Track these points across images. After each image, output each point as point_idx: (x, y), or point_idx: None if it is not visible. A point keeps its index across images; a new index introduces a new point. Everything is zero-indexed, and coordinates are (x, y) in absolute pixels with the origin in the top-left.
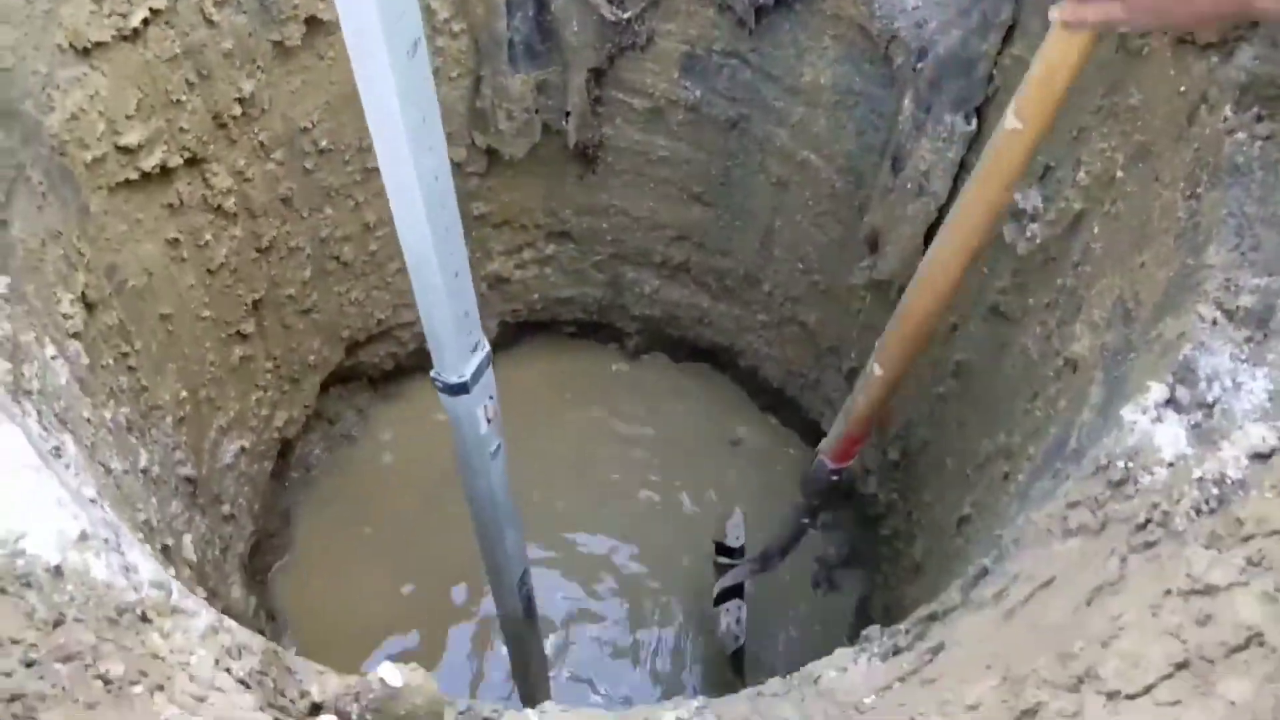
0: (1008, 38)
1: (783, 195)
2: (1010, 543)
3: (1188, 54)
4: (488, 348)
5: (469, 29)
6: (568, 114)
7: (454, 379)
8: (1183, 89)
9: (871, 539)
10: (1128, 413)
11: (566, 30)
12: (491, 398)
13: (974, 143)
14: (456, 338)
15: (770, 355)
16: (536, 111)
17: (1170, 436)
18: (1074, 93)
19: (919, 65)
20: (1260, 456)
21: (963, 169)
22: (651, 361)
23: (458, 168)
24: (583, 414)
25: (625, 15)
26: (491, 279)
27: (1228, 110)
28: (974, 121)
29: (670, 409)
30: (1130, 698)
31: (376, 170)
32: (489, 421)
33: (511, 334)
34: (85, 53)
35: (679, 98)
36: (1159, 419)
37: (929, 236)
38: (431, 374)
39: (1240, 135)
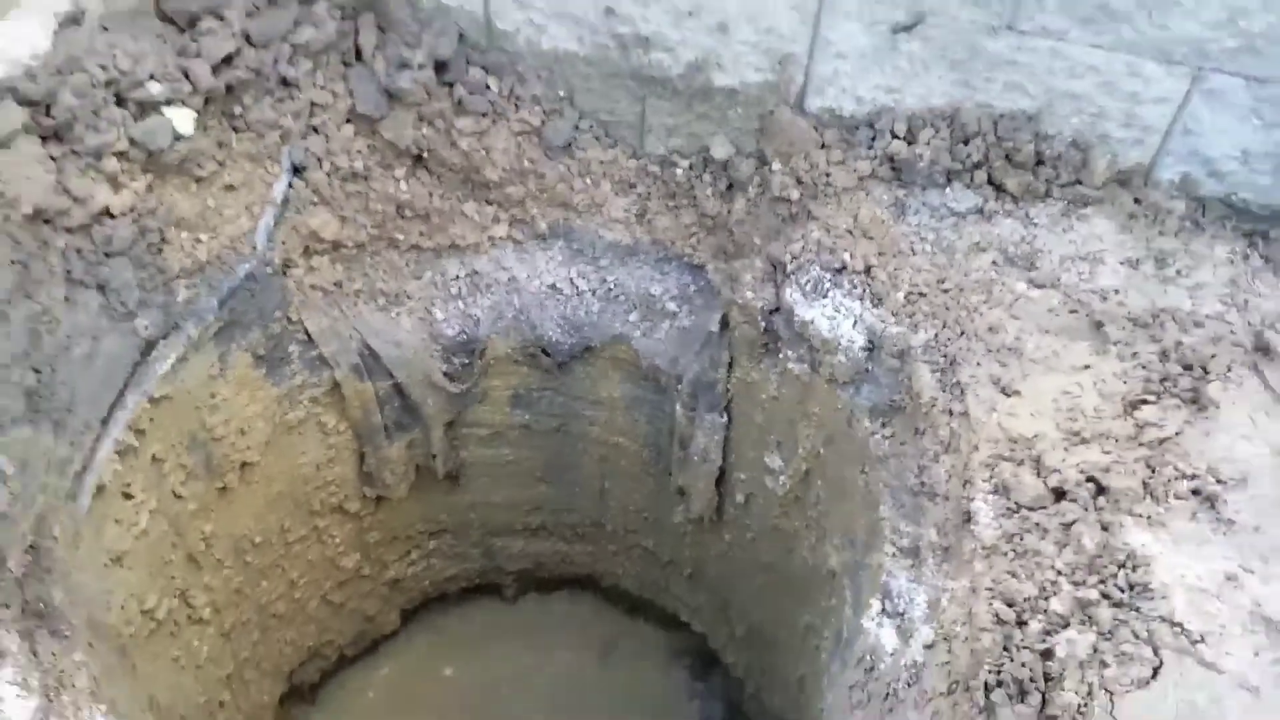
0: (730, 368)
1: (606, 466)
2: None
3: (835, 386)
4: None
5: (350, 424)
6: (434, 456)
7: None
8: (839, 406)
9: (740, 698)
10: (865, 621)
11: (424, 407)
12: None
13: (728, 429)
14: None
15: (624, 573)
16: (409, 461)
17: (889, 637)
18: (778, 402)
19: (680, 386)
20: (928, 647)
21: (727, 444)
22: (527, 601)
23: (355, 516)
24: (478, 659)
25: (465, 386)
26: (390, 583)
27: (865, 421)
28: (725, 416)
29: (549, 635)
30: None
31: (299, 540)
32: None
33: (405, 616)
34: (119, 560)
35: (513, 422)
36: (881, 625)
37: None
38: None
39: (877, 436)
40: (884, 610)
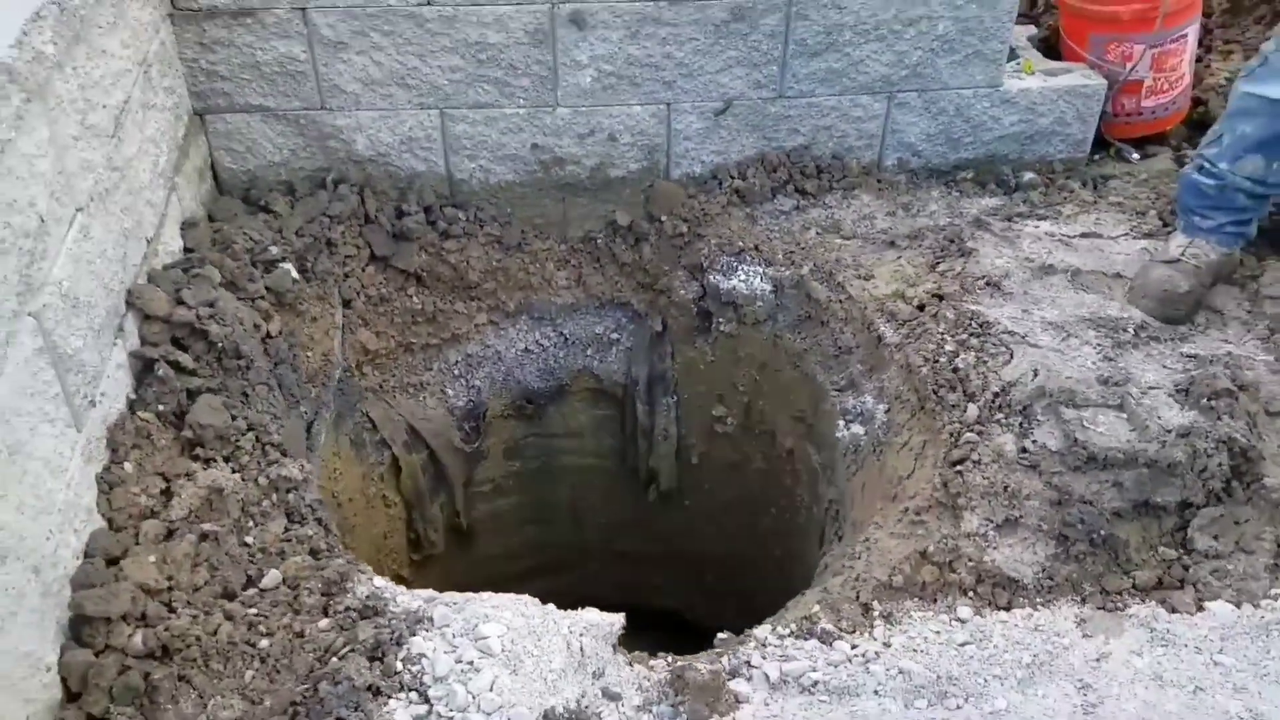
0: (673, 357)
1: (578, 489)
2: None
3: (759, 326)
4: None
5: (403, 494)
6: (457, 513)
7: None
8: (764, 337)
9: None
10: (838, 434)
11: (449, 469)
12: None
13: (679, 406)
14: None
15: (607, 584)
16: (443, 521)
17: (858, 429)
18: (714, 364)
19: (637, 389)
20: (888, 410)
21: (679, 419)
22: None
23: (403, 580)
24: None
25: (474, 445)
26: None
27: (788, 335)
28: (675, 396)
29: None
30: None
31: None
32: None
33: None
34: None
35: (507, 471)
36: (849, 427)
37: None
38: None
39: (797, 339)
40: (846, 421)
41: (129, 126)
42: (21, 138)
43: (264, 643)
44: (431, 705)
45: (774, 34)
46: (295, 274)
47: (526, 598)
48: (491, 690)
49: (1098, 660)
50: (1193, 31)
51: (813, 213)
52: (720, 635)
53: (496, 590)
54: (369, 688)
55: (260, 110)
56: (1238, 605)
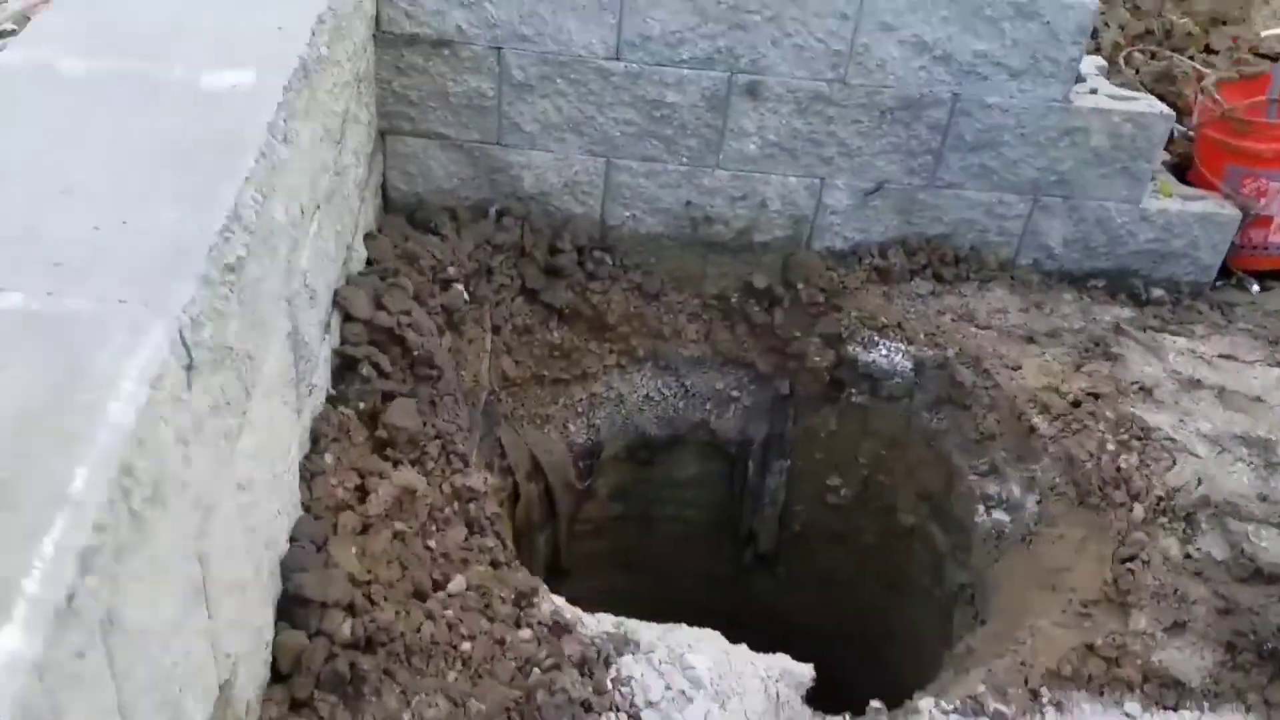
0: (795, 421)
1: (676, 541)
2: None
3: (894, 402)
4: None
5: (516, 524)
6: (558, 548)
7: None
8: (898, 414)
9: None
10: (976, 519)
11: (560, 504)
12: None
13: (790, 471)
14: None
15: None
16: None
17: (1000, 515)
18: (835, 435)
19: (752, 448)
20: (1039, 502)
21: (790, 485)
22: None
23: None
24: None
25: (587, 483)
26: None
27: (924, 414)
28: (789, 460)
29: None
30: None
31: None
32: None
33: None
34: None
35: (610, 514)
36: (990, 514)
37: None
38: None
39: (933, 420)
40: (988, 506)
41: (347, 135)
42: (304, 127)
43: (465, 645)
44: None
45: (935, 126)
46: (466, 295)
47: (717, 633)
48: (705, 718)
49: None
50: None
51: (948, 299)
52: (873, 704)
53: None
54: (582, 703)
55: (440, 138)
56: None
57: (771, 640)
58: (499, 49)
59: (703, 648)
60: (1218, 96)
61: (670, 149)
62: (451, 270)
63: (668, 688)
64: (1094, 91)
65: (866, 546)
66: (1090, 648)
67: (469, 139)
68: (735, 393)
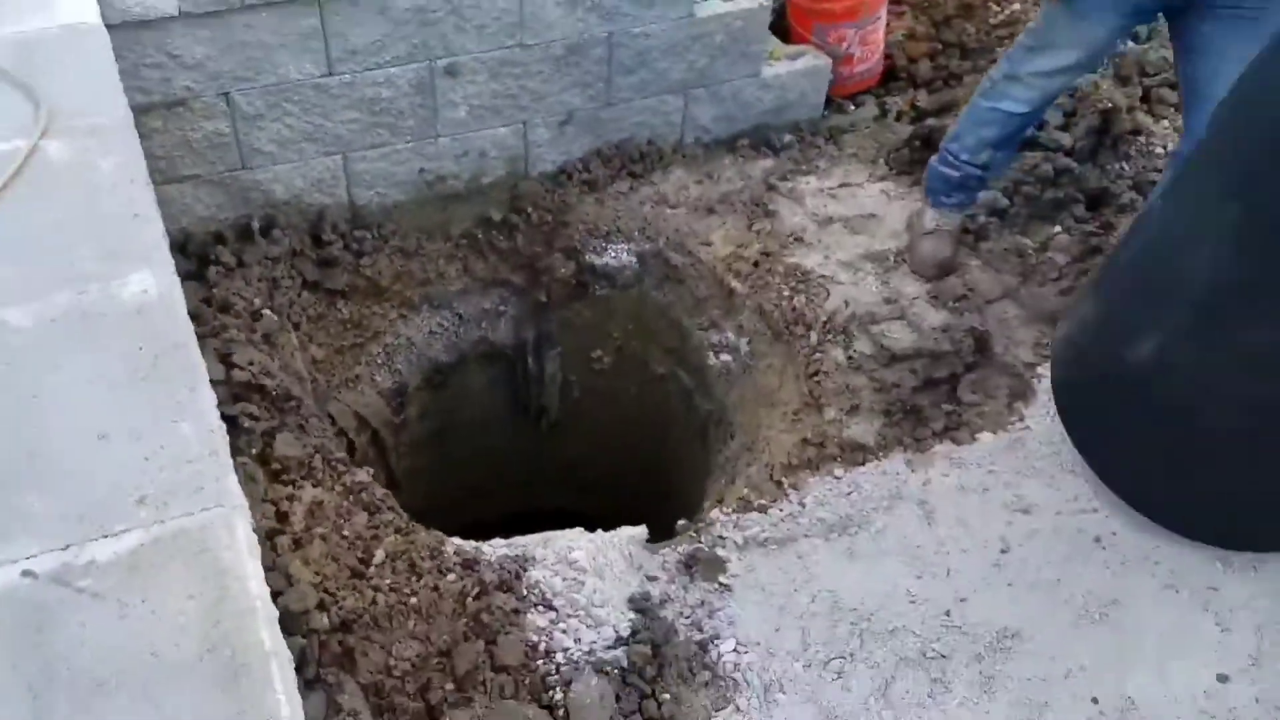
0: (553, 316)
1: (483, 424)
2: None
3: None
4: None
5: None
6: (393, 474)
7: None
8: (634, 296)
9: None
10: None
11: (387, 442)
12: None
13: (560, 353)
14: None
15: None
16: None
17: (725, 357)
18: (590, 319)
19: (529, 347)
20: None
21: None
22: None
23: None
24: None
25: (401, 417)
26: None
27: (650, 288)
28: (558, 346)
29: None
30: None
31: None
32: None
33: None
34: None
35: (427, 431)
36: (718, 355)
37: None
38: None
39: (655, 294)
40: (715, 351)
41: None
42: None
43: (412, 599)
44: (558, 610)
45: (600, 60)
46: (275, 316)
47: (581, 529)
48: (594, 592)
49: (924, 484)
50: (884, 10)
51: (644, 190)
52: (680, 522)
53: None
54: (512, 610)
55: (193, 178)
56: (995, 433)
57: (575, 488)
58: (226, 94)
59: (578, 543)
60: None
61: (395, 132)
62: (256, 301)
63: (563, 580)
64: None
65: (631, 397)
66: (805, 440)
67: (218, 172)
68: (502, 308)
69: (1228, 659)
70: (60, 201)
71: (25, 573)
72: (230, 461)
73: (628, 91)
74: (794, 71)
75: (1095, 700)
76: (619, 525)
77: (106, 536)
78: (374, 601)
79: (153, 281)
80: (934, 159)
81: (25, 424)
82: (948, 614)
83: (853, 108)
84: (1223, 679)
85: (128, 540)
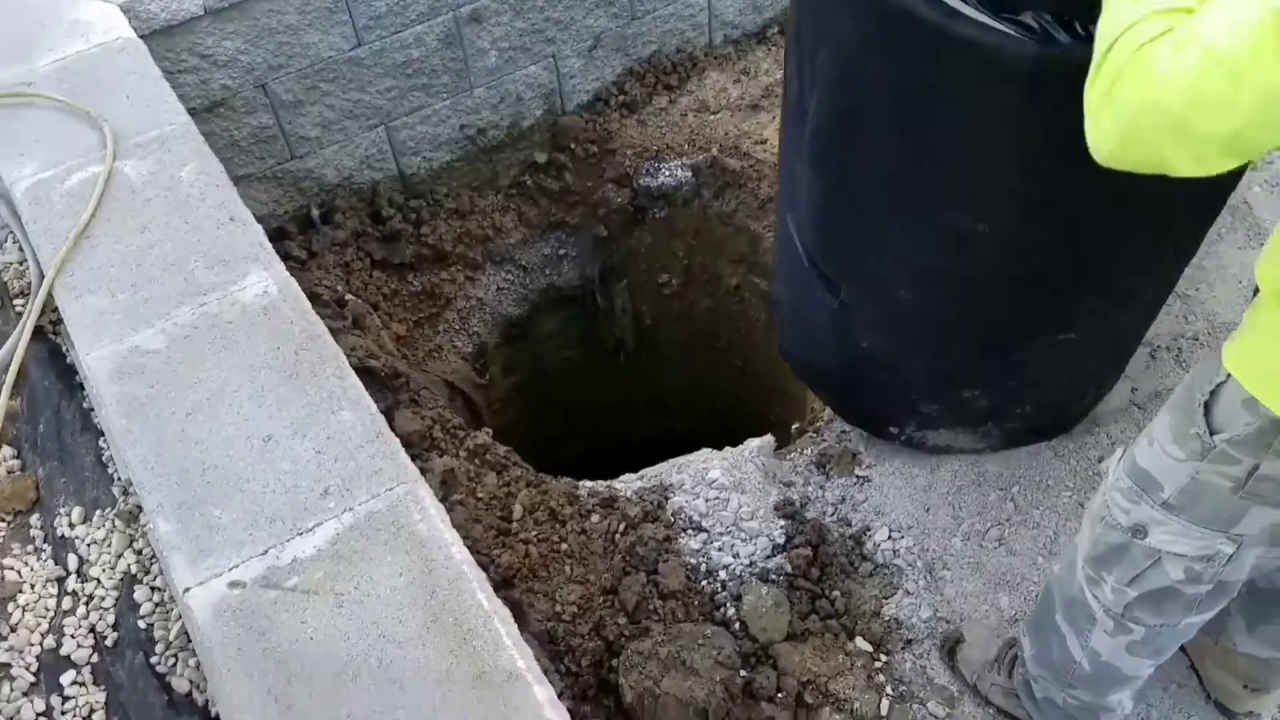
0: (617, 247)
1: (565, 366)
2: None
3: (688, 206)
4: None
5: None
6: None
7: None
8: (695, 213)
9: None
10: None
11: (476, 403)
12: None
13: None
14: None
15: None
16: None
17: None
18: (651, 245)
19: (595, 284)
20: None
21: (631, 294)
22: None
23: None
24: None
25: (486, 377)
26: None
27: (710, 199)
28: (624, 280)
29: None
30: None
31: None
32: None
33: None
34: None
35: (511, 385)
36: None
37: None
38: None
39: (716, 208)
40: None
41: None
42: None
43: (563, 546)
44: (709, 531)
45: None
46: (358, 300)
47: (708, 449)
48: (739, 507)
49: None
50: None
51: (683, 101)
52: (795, 425)
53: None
54: (664, 539)
55: (245, 178)
56: None
57: (666, 414)
58: (264, 85)
59: (712, 462)
60: None
61: (430, 93)
62: (339, 288)
63: (705, 500)
64: None
65: (706, 311)
66: None
67: (269, 166)
68: (562, 250)
69: None
70: (153, 219)
71: (233, 584)
72: (397, 439)
73: (649, 2)
74: None
75: None
76: (716, 446)
77: (302, 534)
78: (527, 555)
79: (269, 279)
80: None
81: (188, 442)
82: (1099, 460)
83: None
84: None
85: (324, 533)
